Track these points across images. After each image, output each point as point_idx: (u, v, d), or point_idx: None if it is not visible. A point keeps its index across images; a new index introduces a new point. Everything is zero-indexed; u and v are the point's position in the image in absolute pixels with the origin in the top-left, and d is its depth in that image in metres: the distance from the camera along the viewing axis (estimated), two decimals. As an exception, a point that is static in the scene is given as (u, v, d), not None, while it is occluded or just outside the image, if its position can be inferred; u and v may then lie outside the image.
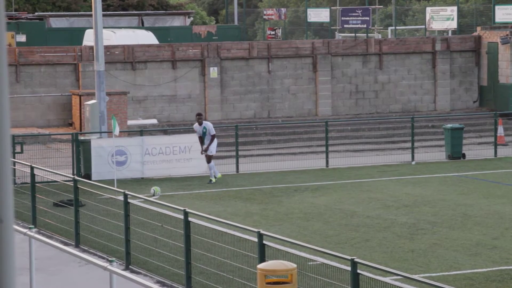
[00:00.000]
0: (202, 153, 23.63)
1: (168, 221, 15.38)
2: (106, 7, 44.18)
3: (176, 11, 47.74)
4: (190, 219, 14.04)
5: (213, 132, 23.58)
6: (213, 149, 23.64)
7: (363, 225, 18.39)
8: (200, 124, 23.55)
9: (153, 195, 21.23)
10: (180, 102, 31.95)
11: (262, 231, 12.60)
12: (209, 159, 23.60)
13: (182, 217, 14.06)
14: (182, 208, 14.21)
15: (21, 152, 23.74)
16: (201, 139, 23.66)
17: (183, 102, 31.97)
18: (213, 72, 32.09)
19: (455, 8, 37.86)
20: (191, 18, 47.75)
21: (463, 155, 27.50)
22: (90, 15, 29.52)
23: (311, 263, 12.90)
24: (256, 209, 20.19)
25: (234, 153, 25.88)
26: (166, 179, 23.86)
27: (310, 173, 25.05)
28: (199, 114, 24.00)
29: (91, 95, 28.19)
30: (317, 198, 21.35)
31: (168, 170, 24.12)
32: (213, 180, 23.38)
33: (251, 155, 27.54)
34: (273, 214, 19.70)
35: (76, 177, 18.65)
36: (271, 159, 26.72)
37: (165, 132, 28.40)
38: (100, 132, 25.05)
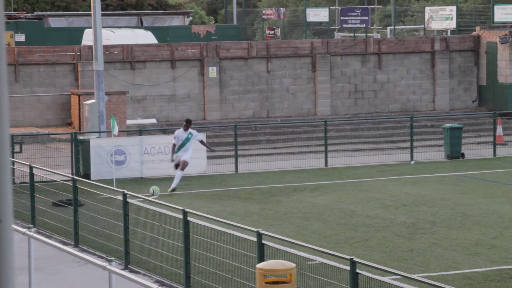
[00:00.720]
0: (172, 161, 22.48)
1: (167, 221, 15.39)
2: (105, 7, 44.17)
3: (175, 11, 47.74)
4: (189, 218, 14.04)
5: (199, 137, 22.86)
6: (189, 158, 22.41)
7: (362, 224, 18.39)
8: (186, 130, 22.45)
9: (152, 195, 21.22)
10: (179, 102, 31.95)
11: (261, 231, 12.60)
12: (183, 166, 22.30)
13: (181, 216, 14.06)
14: (181, 208, 14.21)
15: (20, 151, 23.73)
16: (174, 147, 22.45)
17: (182, 102, 31.97)
18: (212, 71, 32.09)
19: (454, 7, 37.87)
20: (190, 18, 47.75)
21: (462, 155, 27.51)
22: (89, 15, 29.57)
23: (310, 262, 12.90)
24: (255, 209, 20.19)
25: (233, 153, 25.87)
26: (165, 179, 23.84)
27: (309, 173, 25.05)
28: (187, 122, 22.69)
29: (90, 95, 28.18)
30: (316, 198, 21.35)
31: (167, 169, 24.10)
32: (171, 189, 22.04)
33: (250, 155, 27.53)
34: (272, 213, 19.70)
35: (75, 177, 18.64)
36: (270, 159, 26.72)
37: (164, 131, 28.39)
38: (99, 132, 25.05)
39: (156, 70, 31.81)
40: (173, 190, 22.11)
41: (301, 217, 19.24)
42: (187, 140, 22.50)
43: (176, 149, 22.50)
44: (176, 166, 22.54)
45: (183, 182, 22.93)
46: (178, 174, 22.37)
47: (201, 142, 23.11)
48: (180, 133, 22.61)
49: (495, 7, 35.60)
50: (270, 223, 18.49)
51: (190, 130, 22.59)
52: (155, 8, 48.07)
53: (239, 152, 26.05)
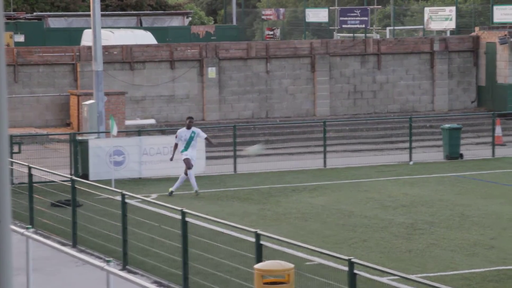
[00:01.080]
0: (171, 160, 22.13)
1: (165, 221, 15.40)
2: (104, 7, 44.17)
3: (175, 11, 47.76)
4: (187, 219, 14.05)
5: (204, 135, 22.44)
6: (194, 157, 22.06)
7: (361, 225, 18.41)
8: (189, 128, 22.07)
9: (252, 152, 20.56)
10: (178, 102, 31.95)
11: (259, 231, 12.61)
12: (189, 165, 21.84)
13: (179, 217, 14.07)
14: (179, 208, 14.23)
15: (19, 152, 23.74)
16: (176, 147, 22.04)
17: (181, 102, 31.98)
18: (211, 72, 32.10)
19: (453, 8, 37.89)
20: (190, 18, 47.77)
21: (461, 155, 27.51)
22: (89, 15, 29.60)
23: (308, 263, 12.92)
24: (254, 209, 20.20)
25: (232, 153, 25.88)
26: (164, 179, 23.84)
27: (308, 173, 25.06)
28: (190, 118, 22.39)
29: (89, 95, 28.18)
30: (314, 198, 21.36)
31: (166, 170, 24.10)
32: (173, 191, 21.77)
33: (249, 155, 27.48)
34: (271, 214, 19.71)
35: (74, 177, 18.65)
36: (269, 159, 26.72)
37: (163, 132, 28.40)
38: (98, 132, 25.05)
39: (155, 70, 31.82)
40: (171, 193, 21.90)
41: (299, 217, 19.25)
42: (191, 138, 22.01)
43: (182, 148, 22.00)
44: (188, 166, 21.87)
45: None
46: (188, 175, 21.82)
47: (206, 139, 22.71)
48: (182, 132, 22.12)
49: (495, 7, 35.62)
50: (268, 224, 18.49)
51: (193, 128, 22.17)
52: (154, 8, 48.08)
53: (238, 153, 26.05)
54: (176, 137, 22.26)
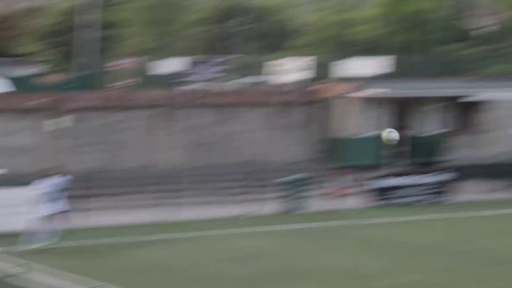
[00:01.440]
0: (42, 213, 21.50)
1: (7, 276, 15.33)
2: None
3: (27, 59, 47.30)
4: (28, 275, 13.97)
5: (67, 183, 22.35)
6: (63, 208, 21.96)
7: (203, 277, 18.82)
8: (52, 177, 22.02)
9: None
10: (26, 153, 31.54)
11: (104, 285, 12.76)
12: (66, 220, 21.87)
13: (21, 272, 14.04)
14: (21, 264, 14.16)
15: None
16: (45, 197, 21.76)
17: (29, 153, 31.56)
18: (62, 122, 32.01)
19: (300, 61, 39.19)
20: (43, 67, 47.41)
21: (302, 208, 28.28)
22: None
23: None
24: (99, 263, 20.30)
25: (79, 206, 25.80)
26: (7, 234, 23.23)
27: (154, 226, 25.33)
28: (53, 167, 22.30)
29: None
30: (160, 251, 21.68)
31: (10, 224, 23.43)
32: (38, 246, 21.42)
33: (99, 207, 27.49)
34: (118, 267, 19.81)
35: None
36: (118, 211, 26.80)
37: (9, 184, 28.00)
38: None
39: (3, 120, 31.36)
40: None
41: (145, 271, 19.43)
42: (57, 187, 21.91)
43: (48, 199, 21.70)
44: (63, 220, 21.86)
45: (18, 238, 22.29)
46: (47, 227, 21.72)
47: (67, 189, 22.33)
48: (47, 182, 21.94)
49: (339, 62, 37.24)
50: (115, 277, 18.50)
51: (56, 177, 22.08)
52: (6, 55, 47.47)
53: (87, 205, 25.99)
54: (45, 185, 21.95)
